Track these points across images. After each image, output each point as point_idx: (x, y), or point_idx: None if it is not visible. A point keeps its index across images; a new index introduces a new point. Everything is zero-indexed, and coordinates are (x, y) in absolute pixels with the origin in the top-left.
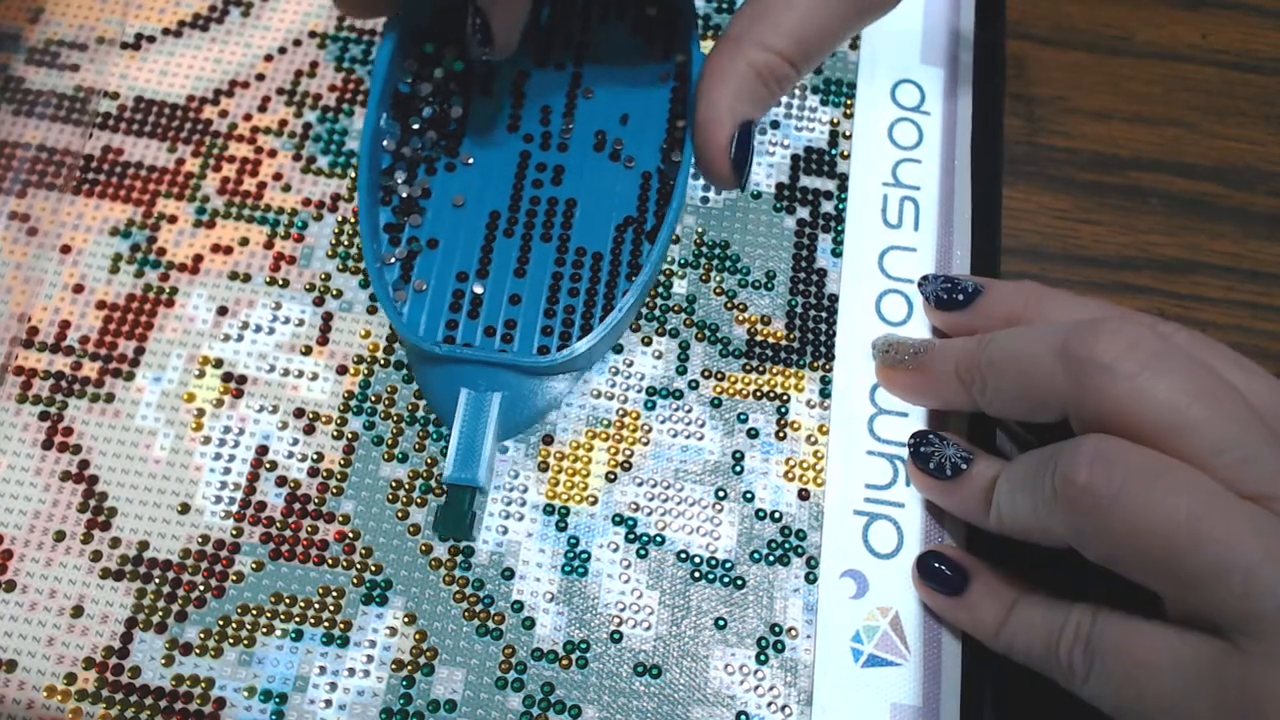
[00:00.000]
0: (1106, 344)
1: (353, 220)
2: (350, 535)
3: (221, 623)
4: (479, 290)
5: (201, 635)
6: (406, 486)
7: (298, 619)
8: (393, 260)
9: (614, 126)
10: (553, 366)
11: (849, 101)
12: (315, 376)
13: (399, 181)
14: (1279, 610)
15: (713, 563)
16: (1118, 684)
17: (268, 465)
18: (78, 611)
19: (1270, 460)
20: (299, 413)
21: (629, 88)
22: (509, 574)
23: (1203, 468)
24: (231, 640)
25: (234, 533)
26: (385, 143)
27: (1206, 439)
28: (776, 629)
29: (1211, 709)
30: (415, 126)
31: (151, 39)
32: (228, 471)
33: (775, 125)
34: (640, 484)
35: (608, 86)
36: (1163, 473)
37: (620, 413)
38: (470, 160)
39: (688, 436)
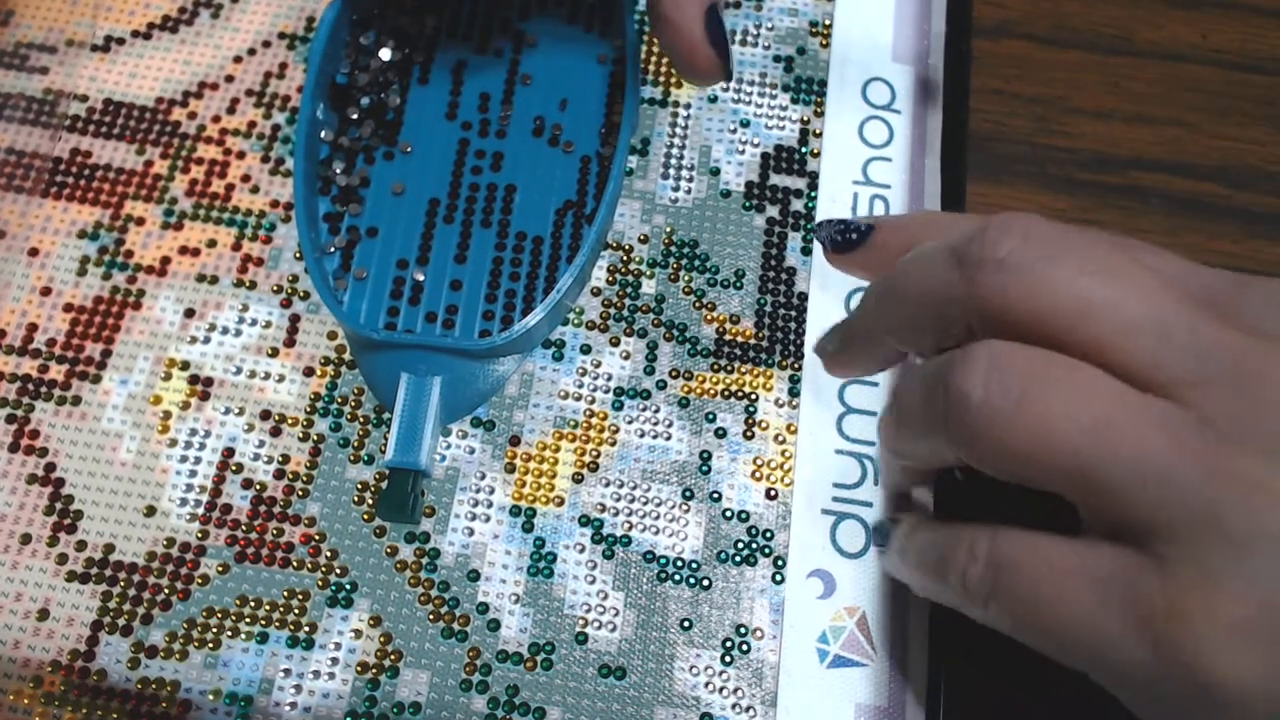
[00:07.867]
0: (996, 238)
1: None
2: (316, 537)
3: (187, 625)
4: (419, 277)
5: (167, 638)
6: (373, 489)
7: (263, 621)
8: (332, 250)
9: (552, 112)
10: (493, 349)
11: (819, 100)
12: (282, 378)
13: (337, 171)
14: (1199, 516)
15: (679, 563)
16: (1023, 605)
17: (234, 468)
18: (43, 615)
19: (1184, 337)
20: (265, 415)
21: (567, 73)
22: (474, 576)
23: (1114, 351)
24: (197, 643)
25: (200, 535)
26: (323, 134)
27: (1114, 319)
28: (742, 630)
29: (1125, 626)
30: (353, 117)
31: (121, 41)
32: (194, 474)
33: (745, 124)
34: (607, 485)
35: (545, 72)
36: (1062, 375)
37: (587, 413)
38: (409, 149)
39: (655, 437)
